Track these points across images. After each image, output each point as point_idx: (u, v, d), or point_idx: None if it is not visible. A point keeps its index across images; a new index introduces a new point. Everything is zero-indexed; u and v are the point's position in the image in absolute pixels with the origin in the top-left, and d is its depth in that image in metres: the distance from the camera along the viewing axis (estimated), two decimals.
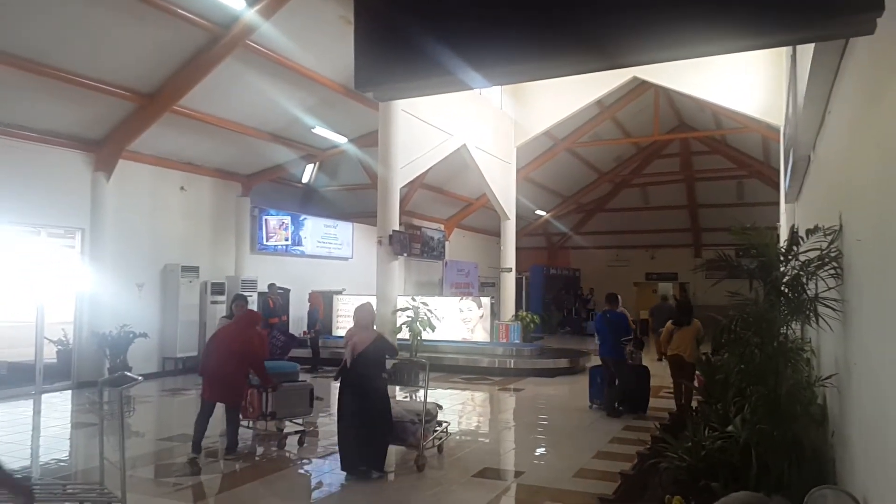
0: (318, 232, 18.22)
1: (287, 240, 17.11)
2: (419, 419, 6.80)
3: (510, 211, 18.33)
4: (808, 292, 3.82)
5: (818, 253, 3.77)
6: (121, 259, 12.56)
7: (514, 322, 16.81)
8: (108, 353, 11.85)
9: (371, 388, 6.44)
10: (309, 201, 19.22)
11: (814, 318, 3.67)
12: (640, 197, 28.28)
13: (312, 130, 14.62)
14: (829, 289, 3.74)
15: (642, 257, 29.20)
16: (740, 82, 14.82)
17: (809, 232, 4.01)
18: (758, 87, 14.57)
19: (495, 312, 16.45)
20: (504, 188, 18.02)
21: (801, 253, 4.05)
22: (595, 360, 11.96)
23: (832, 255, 3.67)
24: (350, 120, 14.83)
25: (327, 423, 9.04)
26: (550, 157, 21.42)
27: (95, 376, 10.54)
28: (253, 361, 7.17)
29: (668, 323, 9.53)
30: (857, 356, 3.23)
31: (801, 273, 3.82)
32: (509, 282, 18.56)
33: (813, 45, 3.93)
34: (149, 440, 8.36)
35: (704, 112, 20.12)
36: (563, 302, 27.37)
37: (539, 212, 25.86)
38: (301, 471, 7.01)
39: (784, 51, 9.80)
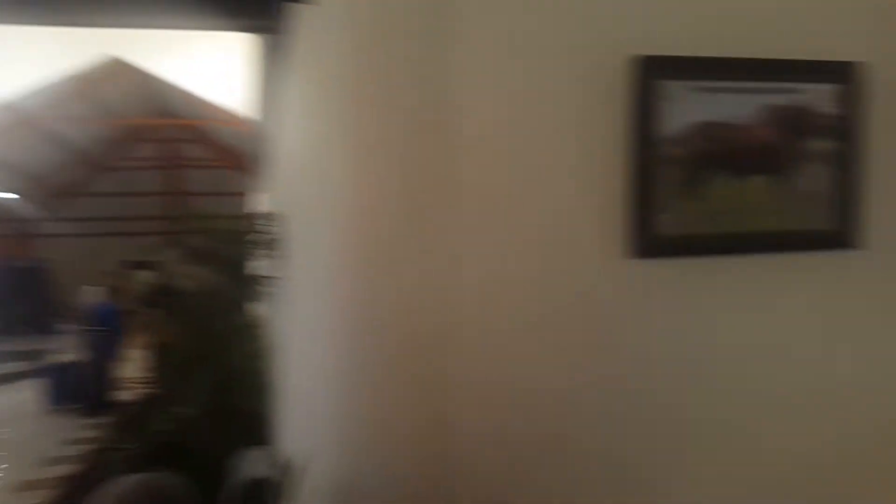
0: None
1: None
2: None
3: None
4: (257, 272, 4.13)
5: (270, 238, 4.10)
6: None
7: None
8: None
9: None
10: None
11: (261, 296, 3.99)
12: (125, 182, 26.84)
13: None
14: (276, 269, 4.11)
15: (124, 244, 27.79)
16: (219, 72, 15.00)
17: (263, 218, 4.34)
18: (236, 78, 15.03)
19: None
20: None
21: (258, 236, 4.33)
22: (60, 359, 10.89)
23: (277, 239, 4.04)
24: None
25: None
26: (16, 133, 18.46)
27: None
28: None
29: (152, 310, 9.36)
30: (295, 329, 3.64)
31: (249, 254, 4.11)
32: None
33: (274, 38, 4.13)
34: None
35: (190, 99, 20.15)
36: (28, 296, 24.10)
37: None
38: None
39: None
